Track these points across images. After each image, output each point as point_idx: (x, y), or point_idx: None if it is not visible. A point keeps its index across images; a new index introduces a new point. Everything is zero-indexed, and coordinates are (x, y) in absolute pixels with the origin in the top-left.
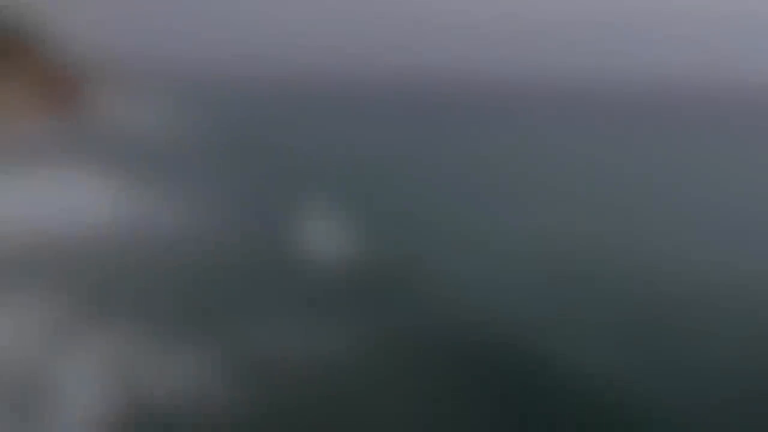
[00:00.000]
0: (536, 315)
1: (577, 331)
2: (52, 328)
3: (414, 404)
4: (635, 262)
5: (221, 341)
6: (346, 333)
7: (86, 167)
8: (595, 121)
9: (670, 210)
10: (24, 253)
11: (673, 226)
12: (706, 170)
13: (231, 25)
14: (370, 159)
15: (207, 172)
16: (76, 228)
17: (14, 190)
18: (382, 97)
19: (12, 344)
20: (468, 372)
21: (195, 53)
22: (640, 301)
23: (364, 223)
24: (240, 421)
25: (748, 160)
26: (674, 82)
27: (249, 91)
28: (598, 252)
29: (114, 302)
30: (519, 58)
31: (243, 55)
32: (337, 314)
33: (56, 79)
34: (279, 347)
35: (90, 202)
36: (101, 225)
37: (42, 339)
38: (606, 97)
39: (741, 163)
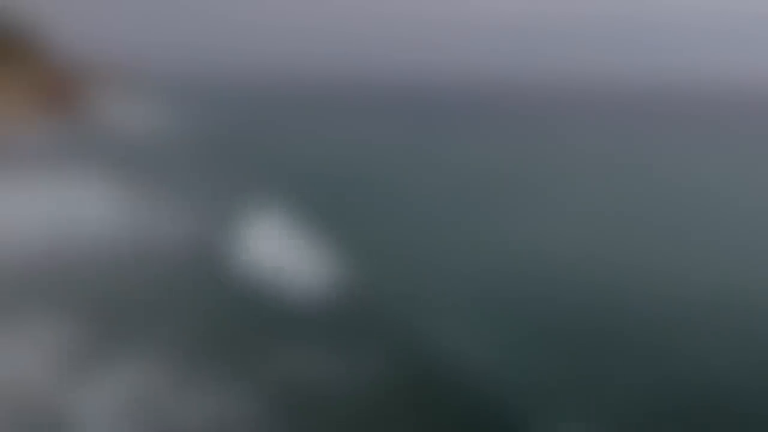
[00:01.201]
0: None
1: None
2: (52, 347)
3: None
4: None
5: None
6: (333, 364)
7: (86, 170)
8: (598, 129)
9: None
10: (26, 266)
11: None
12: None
13: (230, 26)
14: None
15: (203, 176)
16: (77, 237)
17: (13, 194)
18: (381, 100)
19: (16, 366)
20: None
21: (194, 54)
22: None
23: (357, 246)
24: None
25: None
26: (682, 83)
27: (246, 92)
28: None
29: (103, 317)
30: (518, 59)
31: (240, 56)
32: (324, 347)
33: (56, 79)
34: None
35: (90, 207)
36: (101, 233)
37: (44, 360)
38: (606, 99)
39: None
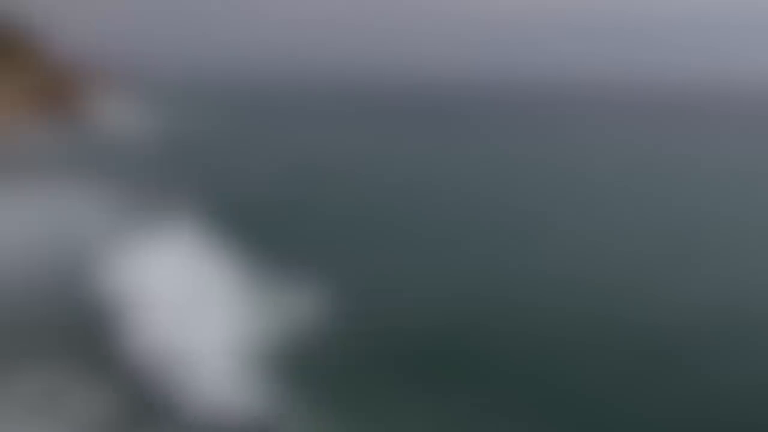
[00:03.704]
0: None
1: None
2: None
3: None
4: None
5: None
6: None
7: (81, 171)
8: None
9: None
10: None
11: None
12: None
13: (227, 27)
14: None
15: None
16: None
17: (8, 196)
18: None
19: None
20: None
21: (192, 56)
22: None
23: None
24: None
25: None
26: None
27: (245, 93)
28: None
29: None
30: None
31: (239, 57)
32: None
33: (52, 80)
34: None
35: (86, 215)
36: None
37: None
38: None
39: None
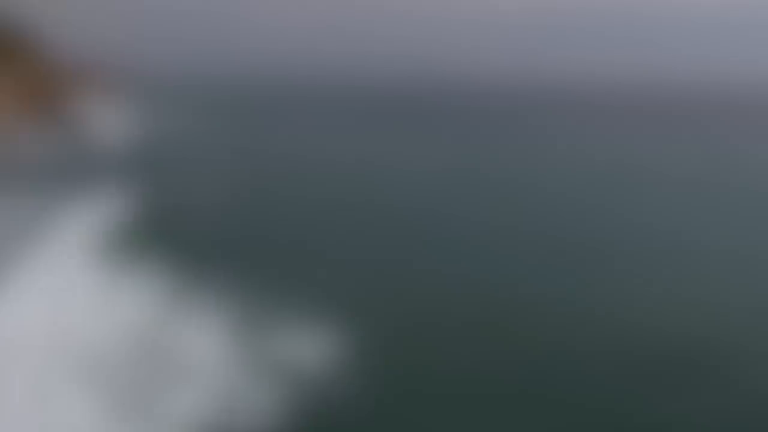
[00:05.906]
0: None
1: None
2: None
3: None
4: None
5: None
6: None
7: (73, 171)
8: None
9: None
10: None
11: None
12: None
13: (223, 27)
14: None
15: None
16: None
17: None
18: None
19: None
20: None
21: (187, 56)
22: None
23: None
24: None
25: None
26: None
27: (242, 94)
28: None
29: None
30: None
31: (235, 58)
32: None
33: (46, 80)
34: None
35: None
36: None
37: None
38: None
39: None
